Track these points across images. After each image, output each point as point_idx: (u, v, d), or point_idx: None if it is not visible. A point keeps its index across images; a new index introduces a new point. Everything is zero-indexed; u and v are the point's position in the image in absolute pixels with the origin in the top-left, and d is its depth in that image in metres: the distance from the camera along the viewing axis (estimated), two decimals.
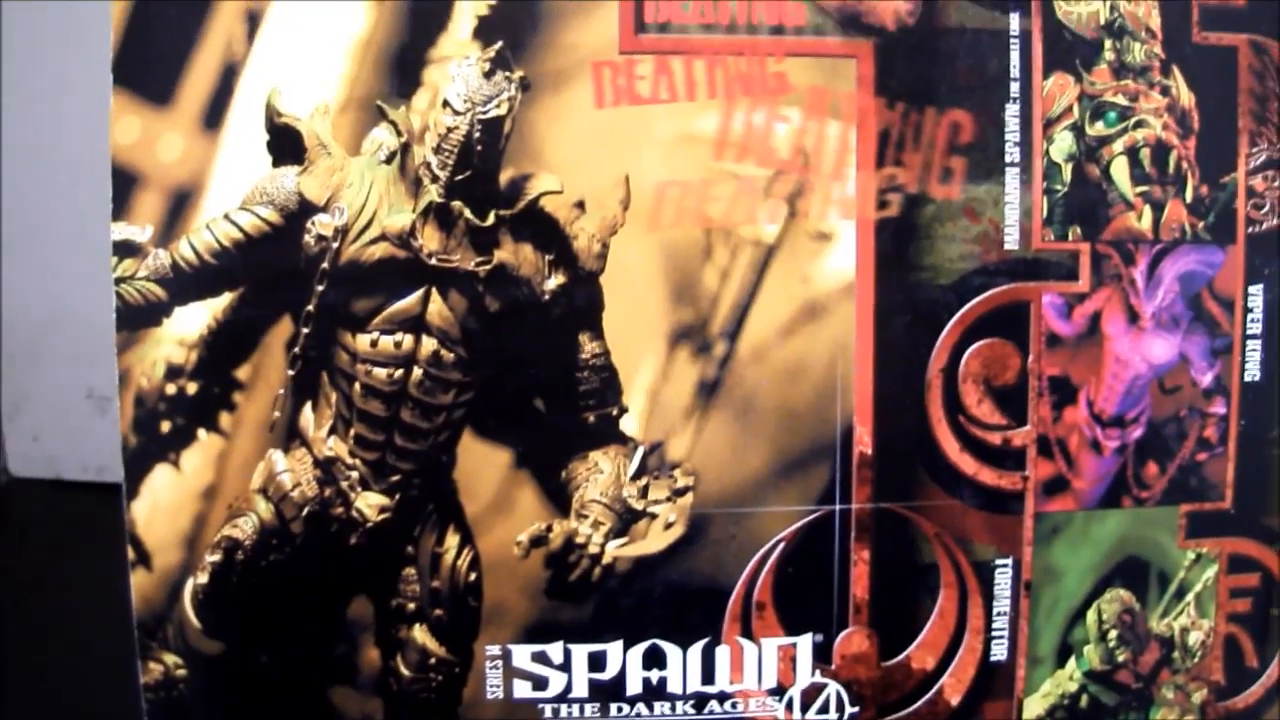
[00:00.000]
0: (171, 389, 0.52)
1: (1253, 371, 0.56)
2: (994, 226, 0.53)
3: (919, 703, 0.55)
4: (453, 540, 0.53)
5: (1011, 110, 0.53)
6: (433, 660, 0.53)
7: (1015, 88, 0.53)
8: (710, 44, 0.52)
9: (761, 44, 0.52)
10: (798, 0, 0.52)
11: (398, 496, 0.53)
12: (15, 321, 0.97)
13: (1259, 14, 0.56)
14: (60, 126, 0.91)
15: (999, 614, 0.55)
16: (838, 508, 0.53)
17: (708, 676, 0.54)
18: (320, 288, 0.51)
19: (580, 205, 0.52)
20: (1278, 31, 0.56)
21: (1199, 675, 0.57)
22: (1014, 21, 0.53)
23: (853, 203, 0.53)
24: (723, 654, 0.54)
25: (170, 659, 0.53)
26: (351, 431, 0.52)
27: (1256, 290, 0.56)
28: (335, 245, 0.51)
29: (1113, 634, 0.56)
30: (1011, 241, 0.54)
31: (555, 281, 0.52)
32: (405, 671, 0.54)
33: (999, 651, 0.55)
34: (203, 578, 0.53)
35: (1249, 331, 0.56)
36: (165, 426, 0.52)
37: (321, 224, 0.51)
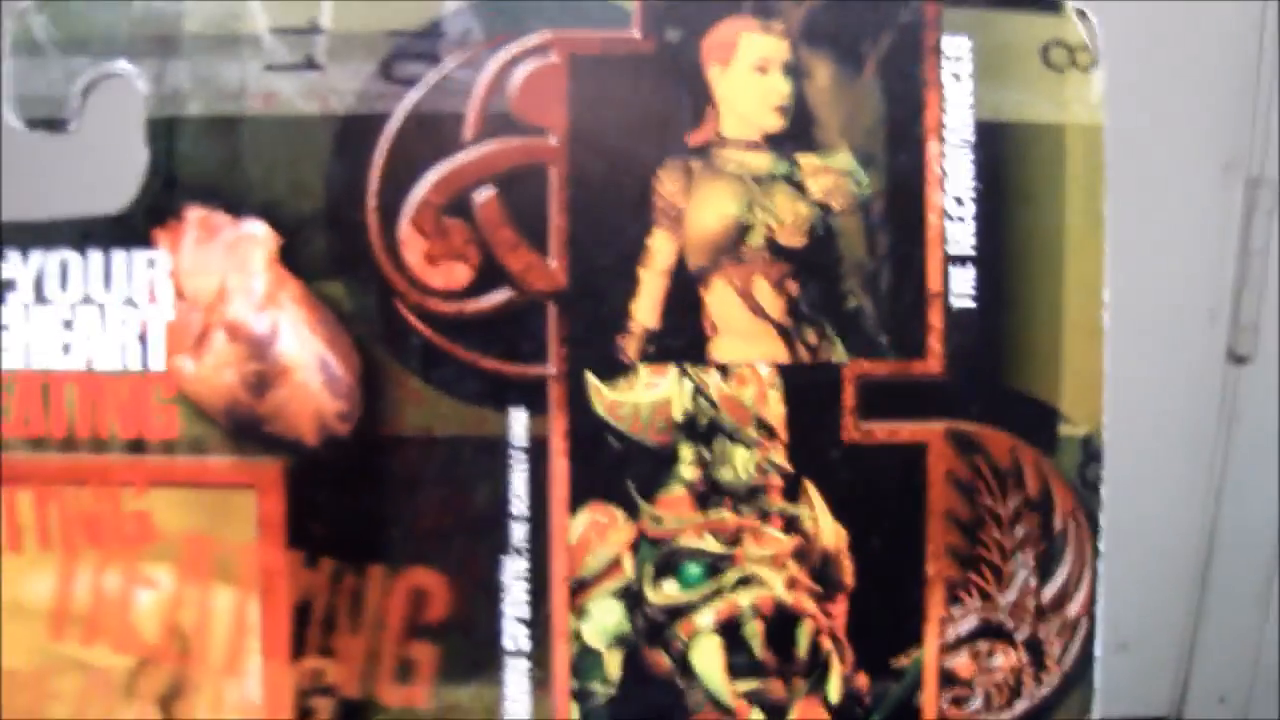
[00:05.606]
0: None
1: None
2: None
3: None
4: None
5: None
6: None
7: (523, 533, 0.33)
8: (40, 468, 0.34)
9: (114, 468, 0.33)
10: (168, 403, 0.33)
11: None
12: None
13: (956, 394, 0.33)
14: None
15: None
16: None
17: None
18: None
19: None
20: (983, 418, 0.33)
21: None
22: (517, 423, 0.33)
23: (258, 710, 0.34)
24: None
25: None
26: None
27: None
28: None
29: None
30: None
31: None
32: None
33: None
34: None
35: None
36: None
37: None
